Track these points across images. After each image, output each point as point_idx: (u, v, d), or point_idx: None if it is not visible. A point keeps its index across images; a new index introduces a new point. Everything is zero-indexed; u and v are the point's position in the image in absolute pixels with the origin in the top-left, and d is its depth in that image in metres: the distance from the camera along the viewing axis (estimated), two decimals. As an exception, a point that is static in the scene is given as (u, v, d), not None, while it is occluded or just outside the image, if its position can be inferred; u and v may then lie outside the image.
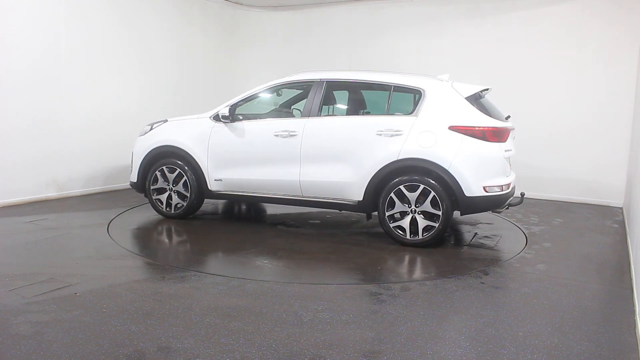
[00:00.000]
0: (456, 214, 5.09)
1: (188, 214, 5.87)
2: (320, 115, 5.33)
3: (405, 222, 4.91)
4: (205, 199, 5.89)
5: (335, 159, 5.15)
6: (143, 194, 6.06)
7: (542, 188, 7.72)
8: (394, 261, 4.64)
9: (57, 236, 5.07)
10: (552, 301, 3.69)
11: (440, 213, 4.79)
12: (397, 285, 3.94)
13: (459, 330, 3.17)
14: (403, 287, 3.90)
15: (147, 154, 5.86)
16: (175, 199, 5.82)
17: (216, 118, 5.61)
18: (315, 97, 5.35)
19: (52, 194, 6.75)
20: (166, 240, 5.34)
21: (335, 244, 5.09)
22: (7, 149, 6.17)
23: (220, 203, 6.95)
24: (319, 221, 6.07)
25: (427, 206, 4.82)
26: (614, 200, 7.34)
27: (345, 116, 5.59)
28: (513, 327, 3.22)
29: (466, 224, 6.07)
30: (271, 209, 6.68)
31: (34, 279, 3.79)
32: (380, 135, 4.98)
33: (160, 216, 5.95)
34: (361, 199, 5.08)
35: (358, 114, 5.53)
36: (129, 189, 7.07)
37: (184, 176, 5.73)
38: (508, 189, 4.99)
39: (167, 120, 6.00)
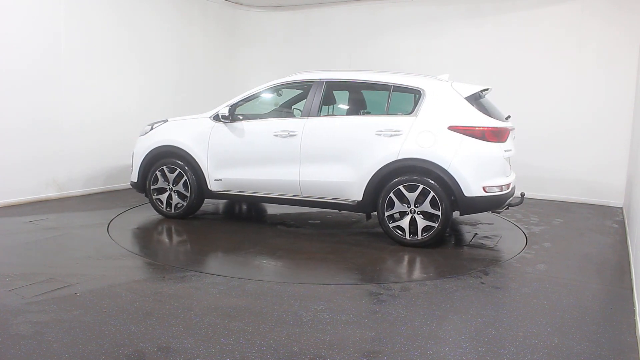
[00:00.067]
0: (456, 214, 5.09)
1: (188, 213, 5.87)
2: (319, 115, 5.33)
3: (405, 222, 4.91)
4: (206, 199, 5.89)
5: (335, 159, 5.15)
6: (143, 194, 6.06)
7: (542, 188, 7.72)
8: (394, 261, 4.64)
9: (57, 236, 5.07)
10: (552, 301, 3.69)
11: (439, 213, 4.78)
12: (397, 285, 3.94)
13: (459, 330, 3.17)
14: (403, 287, 3.90)
15: (148, 154, 5.87)
16: (175, 198, 5.82)
17: (216, 118, 5.61)
18: (315, 97, 5.35)
19: (52, 194, 6.76)
20: (166, 240, 5.35)
21: (335, 244, 5.09)
22: (7, 149, 6.18)
23: (221, 203, 6.95)
24: (318, 221, 6.07)
25: (426, 206, 4.82)
26: (614, 200, 7.34)
27: (345, 116, 5.59)
28: (513, 327, 3.22)
29: (466, 224, 6.07)
30: (271, 209, 6.69)
31: (34, 279, 3.80)
32: (380, 135, 4.98)
33: (160, 216, 5.95)
34: (360, 199, 5.08)
35: (358, 114, 5.53)
36: (129, 189, 7.08)
37: (184, 176, 5.73)
38: (508, 189, 4.99)
39: (167, 120, 6.01)
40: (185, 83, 8.65)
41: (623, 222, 6.38)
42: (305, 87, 5.63)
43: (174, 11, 8.36)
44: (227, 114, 5.51)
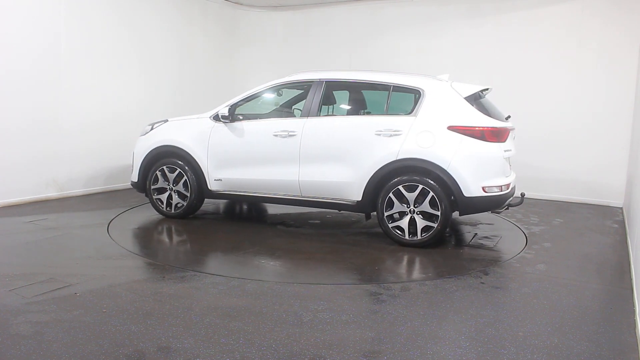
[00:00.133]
0: (456, 214, 5.09)
1: (188, 213, 5.87)
2: (319, 115, 5.33)
3: (404, 223, 4.91)
4: (206, 199, 5.89)
5: (334, 159, 5.15)
6: (144, 194, 6.06)
7: (542, 188, 7.72)
8: (393, 261, 4.64)
9: (57, 236, 5.07)
10: (552, 301, 3.69)
11: (438, 213, 4.78)
12: (397, 285, 3.94)
13: (459, 330, 3.17)
14: (403, 287, 3.90)
15: (148, 153, 5.87)
16: (175, 198, 5.83)
17: (216, 118, 5.62)
18: (315, 97, 5.35)
19: (52, 194, 6.76)
20: (166, 240, 5.35)
21: (335, 244, 5.09)
22: (7, 149, 6.18)
23: (221, 203, 6.95)
24: (318, 221, 6.07)
25: (425, 206, 4.82)
26: (614, 200, 7.34)
27: (344, 116, 5.58)
28: (513, 327, 3.22)
29: (466, 224, 6.07)
30: (272, 209, 6.69)
31: (34, 279, 3.80)
32: (379, 135, 4.98)
33: (160, 216, 5.95)
34: (360, 199, 5.08)
35: (357, 114, 5.53)
36: (129, 189, 7.08)
37: (184, 176, 5.74)
38: (507, 189, 4.98)
39: (167, 120, 6.01)
40: (185, 83, 8.65)
41: (623, 222, 6.38)
42: (305, 87, 5.63)
43: (174, 11, 8.36)
44: (227, 114, 5.51)
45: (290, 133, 5.29)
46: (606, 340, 3.07)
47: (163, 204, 5.89)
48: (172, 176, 5.80)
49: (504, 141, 4.95)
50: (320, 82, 5.40)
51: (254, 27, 9.77)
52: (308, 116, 5.31)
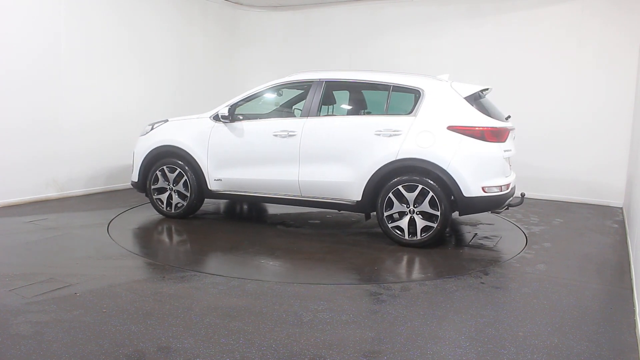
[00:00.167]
0: (456, 214, 5.09)
1: (188, 213, 5.88)
2: (319, 115, 5.33)
3: (404, 223, 4.91)
4: (206, 199, 5.89)
5: (334, 159, 5.15)
6: (144, 194, 6.07)
7: (542, 188, 7.72)
8: (393, 261, 4.64)
9: (57, 236, 5.07)
10: (552, 301, 3.69)
11: (438, 213, 4.78)
12: (397, 285, 3.94)
13: (459, 330, 3.17)
14: (403, 287, 3.90)
15: (148, 153, 5.87)
16: (175, 198, 5.83)
17: (216, 118, 5.62)
18: (315, 97, 5.35)
19: (52, 194, 6.76)
20: (166, 240, 5.35)
21: (335, 244, 5.09)
22: (7, 149, 6.18)
23: (222, 203, 6.95)
24: (318, 221, 6.07)
25: (425, 206, 4.82)
26: (614, 200, 7.34)
27: (344, 116, 5.58)
28: (513, 327, 3.22)
29: (466, 224, 6.07)
30: (272, 209, 6.69)
31: (34, 279, 3.80)
32: (379, 135, 4.98)
33: (160, 216, 5.96)
34: (360, 199, 5.08)
35: (357, 114, 5.53)
36: (129, 189, 7.08)
37: (184, 176, 5.74)
38: (507, 189, 4.98)
39: (167, 120, 6.01)
40: (185, 83, 8.65)
41: (623, 222, 6.38)
42: (305, 87, 5.63)
43: (174, 11, 8.36)
44: (226, 114, 5.51)
45: (290, 133, 5.29)
46: (606, 340, 3.07)
47: (163, 204, 5.90)
48: (172, 176, 5.80)
49: (504, 141, 4.95)
50: (320, 82, 5.40)
51: (254, 27, 9.77)
52: (308, 116, 5.31)
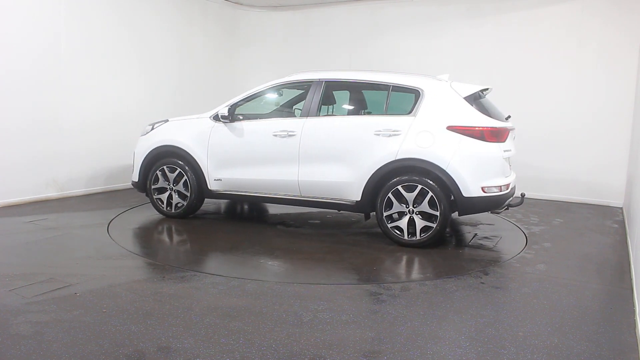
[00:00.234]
0: (456, 214, 5.08)
1: (188, 213, 5.88)
2: (319, 115, 5.33)
3: (403, 223, 4.91)
4: (207, 199, 5.89)
5: (334, 159, 5.15)
6: (144, 194, 6.07)
7: (542, 188, 7.72)
8: (392, 261, 4.64)
9: (57, 236, 5.07)
10: (552, 301, 3.69)
11: (438, 213, 4.78)
12: (397, 285, 3.94)
13: (459, 330, 3.17)
14: (403, 287, 3.90)
15: (148, 153, 5.88)
16: (175, 198, 5.83)
17: (216, 118, 5.62)
18: (314, 97, 5.35)
19: (52, 194, 6.76)
20: (166, 240, 5.35)
21: (335, 244, 5.09)
22: (7, 149, 6.18)
23: (222, 202, 6.95)
24: (318, 221, 6.07)
25: (424, 206, 4.82)
26: (614, 200, 7.34)
27: (344, 116, 5.58)
28: (513, 327, 3.22)
29: (466, 224, 6.07)
30: (272, 209, 6.69)
31: (34, 279, 3.80)
32: (378, 135, 4.98)
33: (160, 216, 5.96)
34: (359, 199, 5.08)
35: (357, 114, 5.53)
36: (129, 189, 7.08)
37: (184, 176, 5.74)
38: (507, 189, 4.98)
39: (168, 120, 6.02)
40: (185, 83, 8.65)
41: (623, 222, 6.38)
42: (304, 87, 5.63)
43: (174, 11, 8.36)
44: (226, 114, 5.51)
45: (289, 133, 5.29)
46: (606, 340, 3.07)
47: (163, 204, 5.90)
48: (172, 176, 5.81)
49: (504, 141, 4.95)
50: (319, 82, 5.40)
51: (254, 27, 9.77)
52: (307, 116, 5.31)
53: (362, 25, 8.90)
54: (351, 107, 5.68)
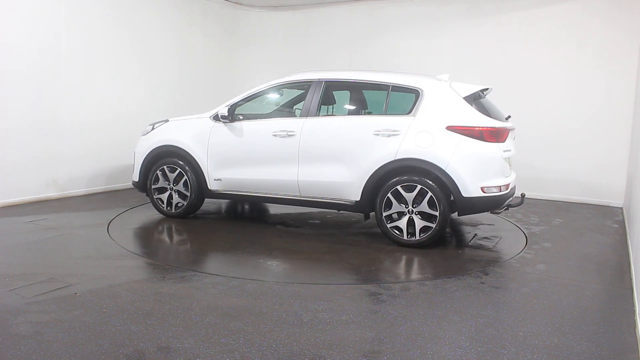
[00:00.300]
0: (456, 214, 5.08)
1: (188, 213, 5.88)
2: (318, 115, 5.33)
3: (403, 223, 4.91)
4: (207, 199, 5.89)
5: (333, 158, 5.15)
6: (145, 193, 6.07)
7: (542, 188, 7.72)
8: (392, 261, 4.64)
9: (57, 236, 5.07)
10: (552, 301, 3.69)
11: (437, 214, 4.78)
12: (397, 285, 3.94)
13: (459, 330, 3.17)
14: (403, 287, 3.90)
15: (149, 153, 5.88)
16: (175, 198, 5.83)
17: (216, 118, 5.62)
18: (314, 97, 5.35)
19: (52, 194, 6.76)
20: (166, 240, 5.35)
21: (334, 244, 5.09)
22: (7, 149, 6.18)
23: (223, 202, 6.96)
24: (318, 221, 6.07)
25: (424, 207, 4.82)
26: (614, 200, 7.34)
27: (343, 116, 5.57)
28: (513, 327, 3.22)
29: (467, 224, 6.07)
30: (272, 209, 6.69)
31: (34, 279, 3.80)
32: (378, 135, 4.98)
33: (160, 216, 5.96)
34: (358, 199, 5.08)
35: (356, 114, 5.53)
36: (129, 189, 7.09)
37: (184, 176, 5.74)
38: (507, 189, 4.97)
39: (168, 120, 6.02)
40: (185, 83, 8.65)
41: (623, 222, 6.38)
42: (304, 87, 5.63)
43: (174, 11, 8.36)
44: (226, 114, 5.51)
45: (289, 133, 5.29)
46: (606, 340, 3.07)
47: (163, 204, 5.90)
48: (172, 176, 5.81)
49: (503, 141, 4.94)
50: (319, 82, 5.40)
51: (254, 27, 9.77)
52: (307, 116, 5.31)
53: (362, 25, 8.91)
54: (351, 107, 5.68)
